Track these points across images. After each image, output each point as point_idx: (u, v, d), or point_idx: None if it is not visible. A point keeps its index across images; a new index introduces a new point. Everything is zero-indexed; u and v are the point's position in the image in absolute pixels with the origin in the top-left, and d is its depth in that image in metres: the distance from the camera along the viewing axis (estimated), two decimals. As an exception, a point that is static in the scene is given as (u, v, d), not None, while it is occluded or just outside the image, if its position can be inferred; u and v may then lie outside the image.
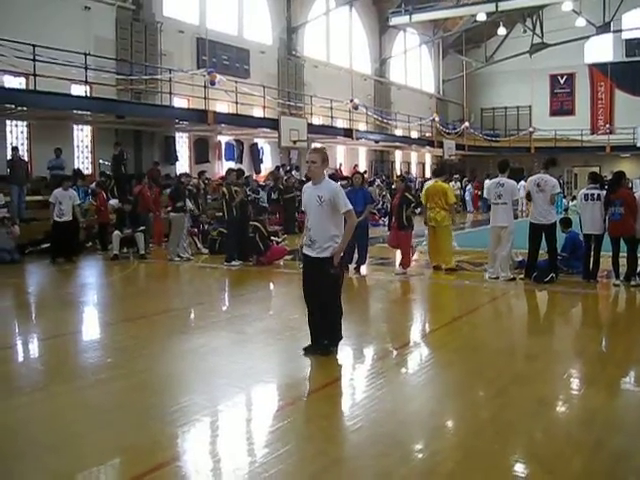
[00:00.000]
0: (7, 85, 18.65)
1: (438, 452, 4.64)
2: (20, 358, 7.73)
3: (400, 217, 12.89)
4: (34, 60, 17.14)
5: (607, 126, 42.79)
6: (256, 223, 14.48)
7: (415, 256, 14.96)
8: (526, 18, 40.34)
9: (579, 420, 5.37)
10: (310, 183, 7.07)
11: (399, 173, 33.92)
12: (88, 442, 4.86)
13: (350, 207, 6.77)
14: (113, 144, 21.15)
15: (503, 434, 4.94)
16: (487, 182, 12.30)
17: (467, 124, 40.60)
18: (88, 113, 19.98)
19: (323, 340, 6.97)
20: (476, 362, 6.92)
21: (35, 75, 17.40)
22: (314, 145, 29.11)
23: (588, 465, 4.42)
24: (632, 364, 7.04)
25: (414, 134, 39.28)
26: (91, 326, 9.55)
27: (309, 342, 7.04)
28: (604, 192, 11.50)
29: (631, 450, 4.72)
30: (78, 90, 20.00)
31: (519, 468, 4.42)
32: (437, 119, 39.11)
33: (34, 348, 8.22)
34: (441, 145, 37.04)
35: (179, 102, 23.80)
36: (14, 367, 7.24)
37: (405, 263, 12.96)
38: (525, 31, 40.45)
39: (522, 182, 19.46)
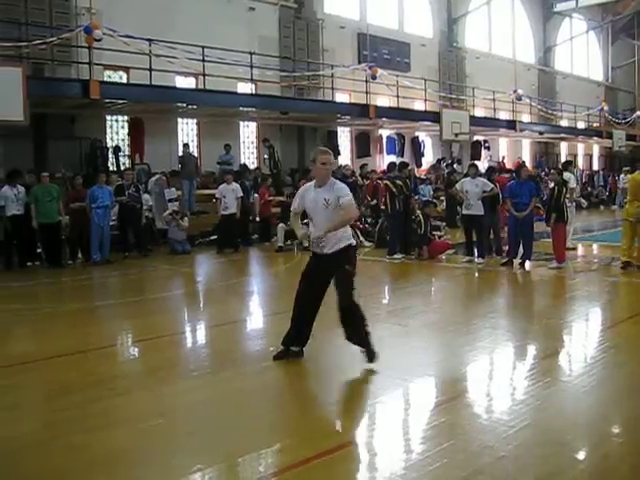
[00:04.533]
0: (178, 85, 19.61)
1: (609, 456, 4.44)
2: (190, 344, 8.13)
3: (550, 210, 12.51)
4: (203, 61, 17.93)
5: None
6: (422, 217, 14.42)
7: (580, 251, 14.47)
8: None
9: None
10: (311, 184, 6.65)
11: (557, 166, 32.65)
12: (257, 424, 5.05)
13: (350, 197, 6.43)
14: (262, 140, 21.76)
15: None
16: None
17: (639, 113, 38.45)
18: (253, 110, 20.64)
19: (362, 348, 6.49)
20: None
21: (204, 75, 18.21)
22: (475, 138, 28.70)
23: None
24: None
25: (581, 125, 37.70)
26: (256, 315, 9.88)
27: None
28: None
29: None
30: (244, 88, 20.74)
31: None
32: (606, 108, 37.34)
33: (202, 335, 8.62)
34: (610, 136, 35.26)
35: (341, 97, 24.09)
36: (186, 352, 7.64)
37: (559, 257, 12.52)
38: None
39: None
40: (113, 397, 5.72)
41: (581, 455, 4.51)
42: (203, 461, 4.38)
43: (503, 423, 4.94)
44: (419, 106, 26.05)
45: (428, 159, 28.65)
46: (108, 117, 19.41)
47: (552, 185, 13.17)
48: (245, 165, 21.06)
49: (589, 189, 32.35)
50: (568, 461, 4.37)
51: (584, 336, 8.21)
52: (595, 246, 16.00)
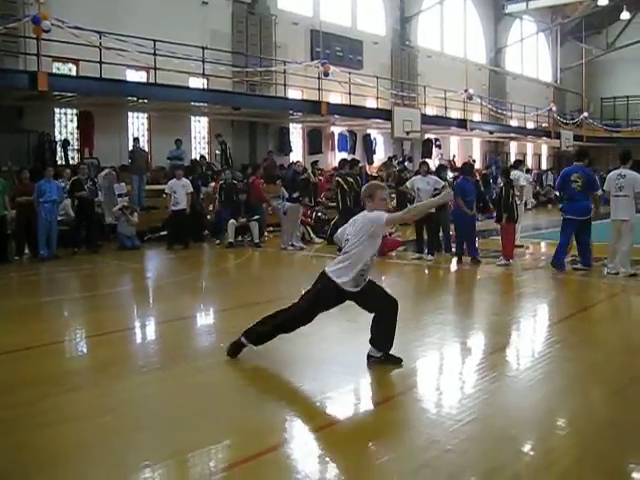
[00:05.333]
0: (129, 79, 19.39)
1: (553, 450, 4.52)
2: (139, 340, 8.05)
3: (501, 209, 12.78)
4: (154, 54, 17.77)
5: None
6: None
7: (528, 249, 14.74)
8: (653, 1, 38.57)
9: None
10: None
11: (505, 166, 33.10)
12: (205, 420, 5.02)
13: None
14: (215, 135, 21.67)
15: (623, 435, 4.75)
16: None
17: (586, 114, 39.21)
18: (205, 105, 20.54)
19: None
20: (593, 359, 6.69)
21: (155, 69, 18.04)
22: (426, 136, 28.95)
23: None
24: None
25: (530, 125, 38.31)
26: (206, 311, 9.84)
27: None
28: None
29: None
30: (196, 83, 20.61)
31: (638, 471, 4.26)
32: (554, 109, 37.97)
33: (151, 331, 8.55)
34: (558, 136, 35.89)
35: (293, 93, 24.08)
36: (136, 348, 7.58)
37: (507, 254, 12.74)
38: (651, 15, 38.69)
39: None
40: (62, 394, 5.65)
41: (526, 448, 4.58)
42: (152, 457, 4.35)
43: (450, 417, 4.99)
44: (371, 104, 26.17)
45: (379, 157, 28.81)
46: (57, 110, 19.10)
47: (500, 185, 13.41)
48: (196, 160, 20.94)
49: (538, 188, 32.85)
50: (513, 455, 4.44)
51: (531, 331, 8.35)
52: (543, 244, 16.26)
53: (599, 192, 11.78)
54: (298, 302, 6.43)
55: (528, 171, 32.98)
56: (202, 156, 21.41)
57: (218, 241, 16.61)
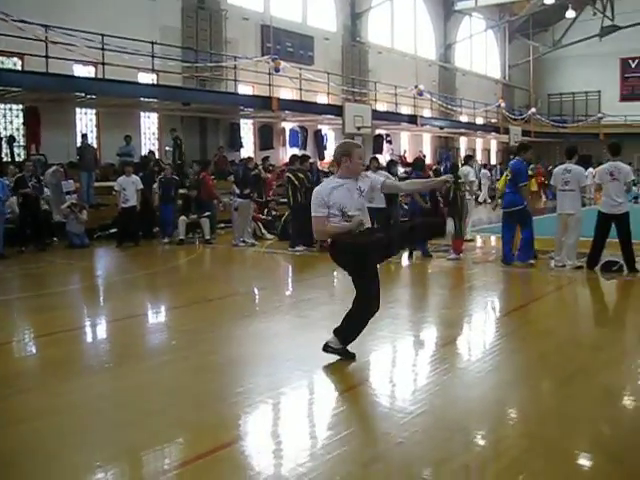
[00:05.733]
0: (77, 74, 19.09)
1: (502, 439, 4.59)
2: (89, 339, 7.94)
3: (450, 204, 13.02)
4: (103, 49, 17.56)
5: (681, 111, 41.42)
6: None
7: (477, 242, 14.93)
8: (596, 0, 39.30)
9: (648, 411, 5.26)
10: (332, 181, 6.29)
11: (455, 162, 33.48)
12: (155, 420, 4.98)
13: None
14: (170, 130, 21.50)
15: (568, 423, 4.86)
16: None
17: (534, 110, 39.89)
18: (155, 100, 20.36)
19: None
20: (541, 350, 6.81)
21: (103, 64, 17.83)
22: (377, 131, 29.09)
23: (658, 456, 4.33)
24: None
25: (479, 120, 38.77)
26: (157, 309, 9.75)
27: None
28: None
29: (703, 442, 4.61)
30: (145, 78, 20.40)
31: (584, 458, 4.36)
32: (503, 105, 38.52)
33: (102, 329, 8.42)
34: (507, 131, 36.44)
35: (244, 89, 24.00)
36: (83, 348, 7.46)
37: (456, 248, 12.91)
38: (595, 13, 39.47)
39: (590, 169, 19.06)
40: (12, 396, 5.55)
41: (475, 439, 4.64)
42: (103, 458, 4.30)
43: (401, 410, 5.04)
44: (322, 99, 26.22)
45: (331, 152, 28.83)
46: (1, 106, 18.72)
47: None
48: (152, 152, 20.75)
49: (495, 184, 33.23)
50: (463, 445, 4.50)
51: (480, 324, 8.46)
52: (492, 238, 16.47)
53: (523, 184, 11.88)
54: (357, 291, 6.24)
55: (485, 166, 33.49)
56: (151, 151, 21.19)
57: (166, 239, 16.36)
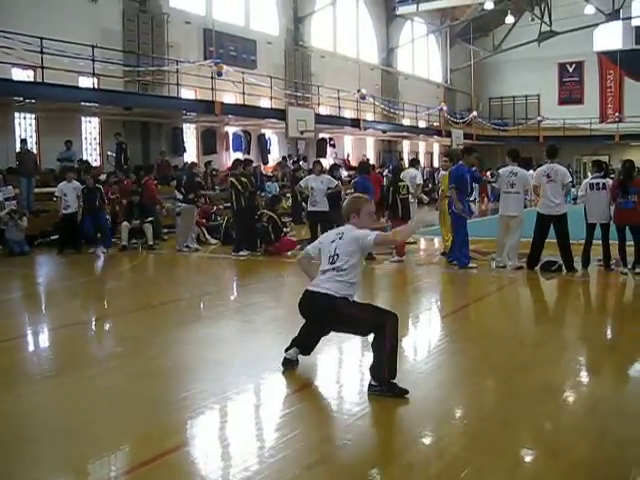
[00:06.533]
0: (15, 78, 18.72)
1: (444, 437, 4.68)
2: (31, 347, 7.81)
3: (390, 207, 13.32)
4: (42, 53, 17.23)
5: (616, 114, 42.46)
6: (271, 213, 14.57)
7: (420, 245, 15.12)
8: (534, 6, 40.15)
9: (585, 407, 5.40)
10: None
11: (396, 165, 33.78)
12: (100, 428, 4.93)
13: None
14: (114, 134, 21.24)
15: (509, 420, 4.96)
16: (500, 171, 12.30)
17: (475, 113, 40.47)
18: (96, 105, 20.06)
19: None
20: (483, 350, 6.95)
21: (43, 67, 17.50)
22: (321, 135, 29.18)
23: (593, 451, 4.45)
24: (639, 351, 7.05)
25: (422, 124, 39.19)
26: (100, 316, 9.60)
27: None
28: (609, 181, 11.57)
29: (637, 435, 4.75)
30: (86, 82, 20.08)
31: (524, 453, 4.47)
32: (445, 109, 39.02)
33: (44, 338, 8.29)
34: (449, 135, 36.96)
35: (186, 93, 23.84)
36: (25, 356, 7.33)
37: (399, 251, 13.04)
38: (533, 19, 40.25)
39: (530, 171, 19.35)
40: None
41: (418, 438, 4.71)
42: (45, 470, 4.25)
43: (345, 412, 5.09)
44: (265, 103, 26.20)
45: (274, 156, 28.89)
46: (-64, 111, 18.27)
47: (386, 184, 13.80)
48: (87, 162, 20.41)
49: (430, 185, 33.62)
50: (405, 445, 4.57)
51: (424, 325, 8.59)
52: (435, 240, 16.67)
53: (451, 186, 12.07)
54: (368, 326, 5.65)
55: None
56: (83, 160, 20.59)
57: (91, 250, 15.63)
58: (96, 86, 20.23)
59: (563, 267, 11.36)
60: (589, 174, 13.03)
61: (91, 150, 22.17)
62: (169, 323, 8.53)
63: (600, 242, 11.54)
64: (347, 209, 5.87)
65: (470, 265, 11.95)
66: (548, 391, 5.59)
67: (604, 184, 11.47)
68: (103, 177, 18.53)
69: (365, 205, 5.81)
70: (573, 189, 29.29)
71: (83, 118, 21.81)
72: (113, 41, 21.34)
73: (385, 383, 5.38)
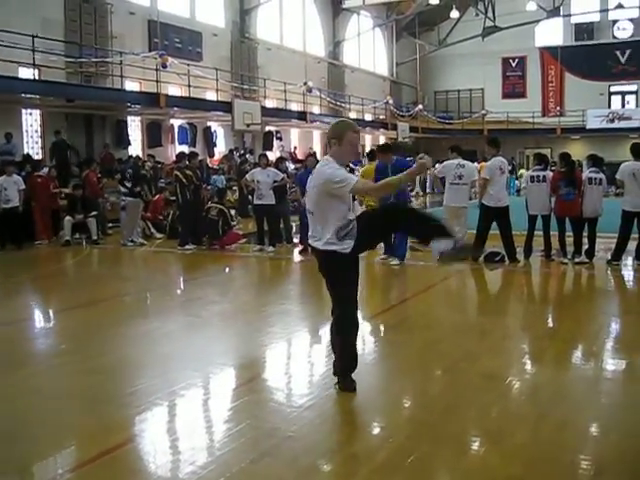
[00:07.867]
0: (-49, 68, 18.24)
1: (388, 427, 4.74)
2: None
3: None
4: (-21, 42, 16.80)
5: (557, 109, 43.31)
6: (222, 207, 14.49)
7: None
8: (478, 1, 40.63)
9: (525, 393, 5.53)
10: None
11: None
12: (42, 428, 4.85)
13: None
14: (54, 132, 20.83)
15: (451, 408, 5.06)
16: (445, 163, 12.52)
17: (421, 107, 40.81)
18: (37, 97, 19.63)
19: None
20: (428, 340, 7.04)
21: (-20, 58, 17.06)
22: (267, 128, 29.10)
23: (532, 435, 4.57)
24: (578, 339, 7.23)
25: (368, 117, 39.35)
26: (43, 313, 9.47)
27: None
28: (550, 173, 11.84)
29: (574, 419, 4.88)
30: (26, 73, 19.63)
31: (466, 440, 4.55)
32: (391, 102, 39.24)
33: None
34: (395, 127, 37.21)
35: (131, 85, 23.49)
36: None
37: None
38: (477, 14, 40.69)
39: (475, 164, 19.65)
40: None
41: (362, 428, 4.77)
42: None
43: (290, 404, 5.12)
44: (211, 96, 25.99)
45: (221, 149, 28.68)
46: None
47: None
48: (29, 155, 20.00)
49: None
50: (350, 436, 4.63)
51: (369, 317, 8.62)
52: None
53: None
54: (335, 302, 5.51)
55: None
56: (28, 155, 20.17)
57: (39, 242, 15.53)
58: (37, 77, 19.81)
59: (506, 258, 11.56)
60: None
61: (32, 143, 21.72)
62: (114, 319, 8.43)
63: (541, 233, 11.79)
64: (329, 133, 5.24)
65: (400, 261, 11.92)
66: (491, 379, 5.71)
67: (544, 176, 11.72)
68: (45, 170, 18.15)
69: (349, 132, 5.12)
70: (516, 182, 29.87)
71: (24, 110, 21.32)
72: (55, 31, 20.88)
73: (340, 374, 5.38)
